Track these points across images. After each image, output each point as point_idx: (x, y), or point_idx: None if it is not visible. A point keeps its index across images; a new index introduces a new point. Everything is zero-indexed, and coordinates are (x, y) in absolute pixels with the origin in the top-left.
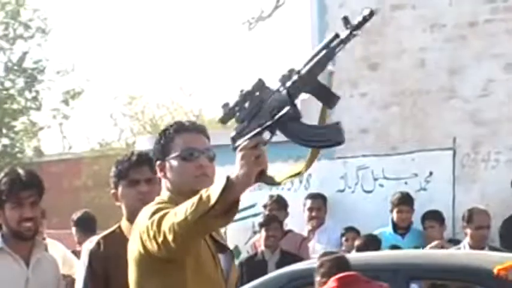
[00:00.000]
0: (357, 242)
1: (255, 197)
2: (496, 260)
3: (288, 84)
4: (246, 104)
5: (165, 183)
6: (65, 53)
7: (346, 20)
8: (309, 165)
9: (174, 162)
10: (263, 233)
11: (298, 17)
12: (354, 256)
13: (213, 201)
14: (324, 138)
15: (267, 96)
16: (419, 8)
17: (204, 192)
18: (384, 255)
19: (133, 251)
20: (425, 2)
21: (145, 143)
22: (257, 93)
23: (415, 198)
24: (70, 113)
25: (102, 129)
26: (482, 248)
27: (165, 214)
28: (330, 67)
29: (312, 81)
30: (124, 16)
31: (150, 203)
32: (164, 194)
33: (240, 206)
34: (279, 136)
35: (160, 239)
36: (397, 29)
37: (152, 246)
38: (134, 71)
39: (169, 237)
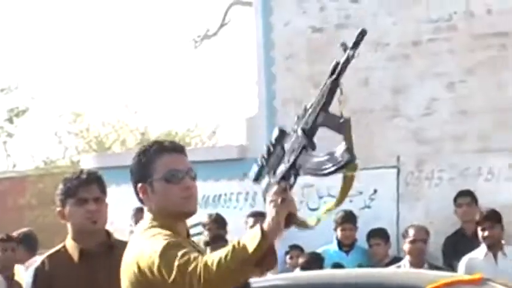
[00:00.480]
0: (300, 260)
1: (199, 216)
2: (431, 279)
3: (303, 122)
4: (271, 158)
5: (148, 205)
6: (9, 71)
7: (344, 45)
8: (340, 200)
9: (158, 185)
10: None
11: (244, 35)
12: (295, 275)
13: (250, 250)
14: (335, 161)
15: (286, 142)
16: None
17: (236, 243)
18: (322, 274)
19: (130, 276)
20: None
21: (91, 161)
22: (279, 144)
23: (359, 216)
24: (14, 131)
25: (47, 147)
26: (421, 264)
27: (188, 261)
28: (339, 96)
29: (322, 113)
30: (68, 33)
31: (100, 221)
32: (148, 216)
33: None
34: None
35: (186, 283)
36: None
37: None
38: (79, 89)
39: (198, 286)
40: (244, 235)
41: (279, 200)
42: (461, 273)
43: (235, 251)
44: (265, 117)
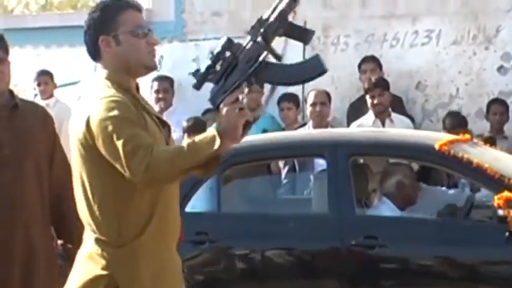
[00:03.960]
0: (184, 124)
1: None
2: (433, 137)
3: (261, 31)
4: (218, 66)
5: (106, 60)
6: None
7: None
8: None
9: (124, 38)
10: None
11: None
12: (293, 133)
13: (206, 153)
14: (306, 72)
15: (239, 52)
16: None
17: (191, 143)
18: (325, 132)
19: (80, 146)
20: None
21: None
22: (228, 53)
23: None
24: None
25: None
26: (325, 127)
27: (137, 147)
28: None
29: (284, 23)
30: None
31: (3, 82)
32: (102, 73)
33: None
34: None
35: (130, 168)
36: None
37: (108, 158)
38: None
39: (144, 175)
40: (198, 136)
41: (237, 110)
42: None
43: (189, 151)
44: None
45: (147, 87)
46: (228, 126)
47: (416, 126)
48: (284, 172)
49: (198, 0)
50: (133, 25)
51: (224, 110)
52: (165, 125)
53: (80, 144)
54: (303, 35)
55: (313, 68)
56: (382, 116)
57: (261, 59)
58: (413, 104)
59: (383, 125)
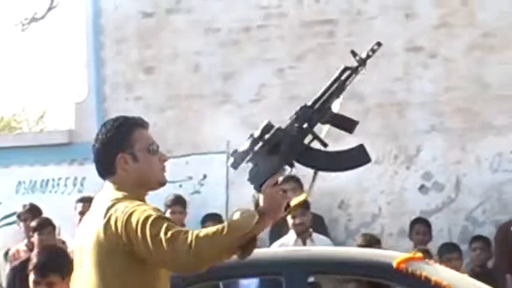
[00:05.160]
0: None
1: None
2: (388, 255)
3: (306, 118)
4: (256, 147)
5: (123, 175)
6: None
7: (354, 53)
8: (309, 194)
9: (141, 155)
10: (36, 237)
11: (73, 19)
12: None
13: (246, 230)
14: (351, 160)
15: (281, 136)
16: (194, 12)
17: (231, 222)
18: (281, 251)
19: (108, 246)
20: (199, 6)
21: None
22: (267, 135)
23: (189, 201)
24: None
25: None
26: None
27: (177, 233)
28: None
29: (328, 112)
30: None
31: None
32: (113, 187)
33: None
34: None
35: (174, 252)
36: (172, 32)
37: (150, 255)
38: None
39: (187, 256)
40: (236, 217)
41: (281, 191)
42: None
43: (229, 228)
44: (95, 102)
45: (69, 207)
46: (272, 206)
47: (340, 245)
48: None
49: None
50: (147, 142)
51: (267, 191)
52: None
53: (109, 248)
54: (347, 124)
55: (358, 157)
56: (303, 235)
57: (305, 143)
58: (336, 224)
59: (304, 244)
